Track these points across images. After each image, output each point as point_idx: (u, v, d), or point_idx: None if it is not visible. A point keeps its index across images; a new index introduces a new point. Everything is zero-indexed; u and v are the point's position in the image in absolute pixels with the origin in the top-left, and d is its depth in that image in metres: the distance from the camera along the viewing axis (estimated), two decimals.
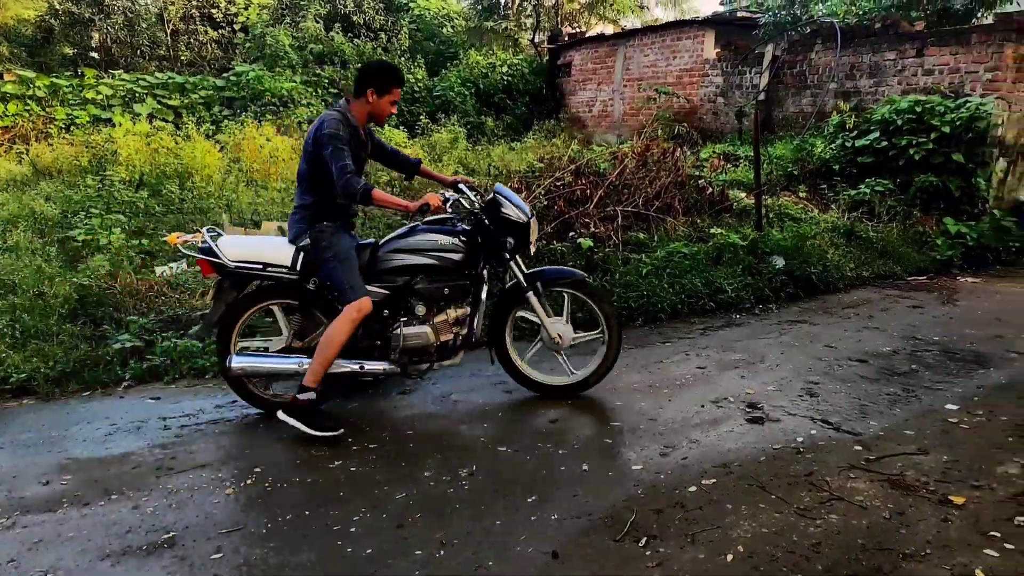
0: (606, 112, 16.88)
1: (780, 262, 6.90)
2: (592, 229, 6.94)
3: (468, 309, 4.00)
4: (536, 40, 20.99)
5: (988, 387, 4.39)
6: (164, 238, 5.19)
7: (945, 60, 9.82)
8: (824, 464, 3.39)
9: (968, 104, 8.70)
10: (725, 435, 3.73)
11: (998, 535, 2.77)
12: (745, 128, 12.94)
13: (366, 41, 17.77)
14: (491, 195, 3.98)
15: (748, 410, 4.06)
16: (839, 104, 10.59)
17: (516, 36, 21.79)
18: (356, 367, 3.88)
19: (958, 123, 8.63)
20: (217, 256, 3.79)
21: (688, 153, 9.20)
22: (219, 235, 3.97)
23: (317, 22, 17.59)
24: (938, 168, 8.73)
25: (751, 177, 9.50)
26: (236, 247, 3.83)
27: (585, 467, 3.40)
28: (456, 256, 3.91)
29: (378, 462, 3.49)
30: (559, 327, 4.15)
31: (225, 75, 15.27)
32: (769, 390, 4.35)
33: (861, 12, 11.91)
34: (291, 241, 3.83)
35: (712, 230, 7.12)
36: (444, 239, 3.90)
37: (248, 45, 18.03)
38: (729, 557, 2.68)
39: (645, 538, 2.81)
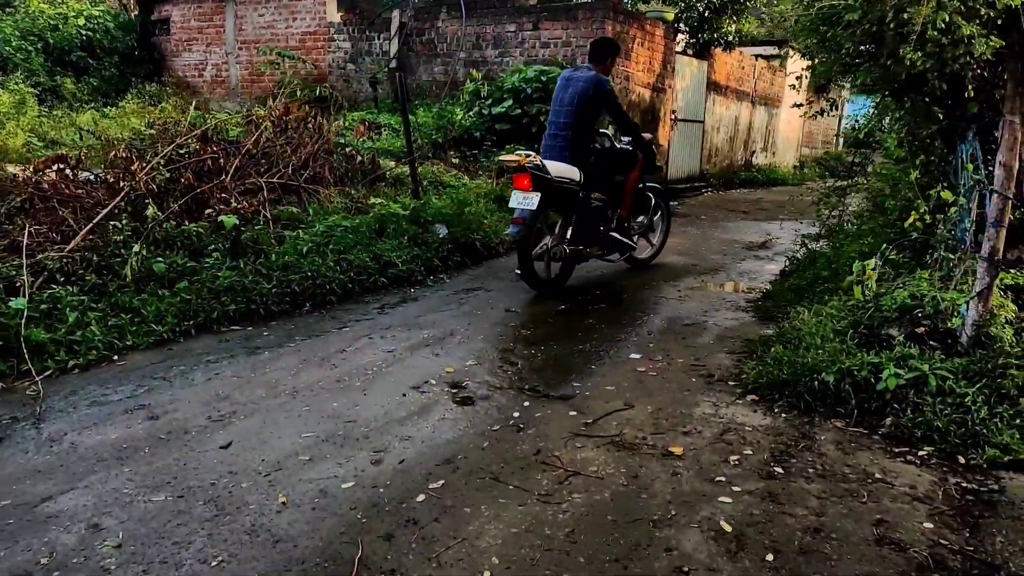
0: (221, 77, 15.18)
1: (443, 230, 6.68)
2: (234, 205, 5.89)
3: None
4: None
5: (655, 332, 4.65)
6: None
7: (558, 34, 10.61)
8: (548, 438, 3.13)
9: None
10: (438, 425, 3.26)
11: (723, 479, 2.77)
12: (381, 96, 12.65)
13: None
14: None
15: (454, 391, 3.65)
16: (472, 72, 10.84)
17: None
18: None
19: None
20: (547, 172, 5.14)
21: (332, 119, 8.51)
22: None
23: None
24: None
25: (398, 145, 9.21)
26: (554, 168, 5.24)
27: (281, 501, 2.64)
28: None
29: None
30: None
31: None
32: (469, 365, 4.01)
33: None
34: (575, 164, 5.39)
35: (372, 200, 6.60)
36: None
37: None
38: (487, 575, 2.22)
39: None
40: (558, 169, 5.26)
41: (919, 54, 3.29)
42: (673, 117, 12.43)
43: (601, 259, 6.13)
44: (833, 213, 6.68)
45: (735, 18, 12.96)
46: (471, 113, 9.93)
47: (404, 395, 3.60)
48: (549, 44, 10.71)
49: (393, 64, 12.65)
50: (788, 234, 8.58)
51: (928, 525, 2.47)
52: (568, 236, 5.53)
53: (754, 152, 16.51)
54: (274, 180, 6.35)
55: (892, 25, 3.46)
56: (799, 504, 2.59)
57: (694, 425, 3.24)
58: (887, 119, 5.02)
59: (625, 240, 6.06)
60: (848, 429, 3.17)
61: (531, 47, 10.90)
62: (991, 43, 3.18)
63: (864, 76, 4.26)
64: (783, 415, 3.31)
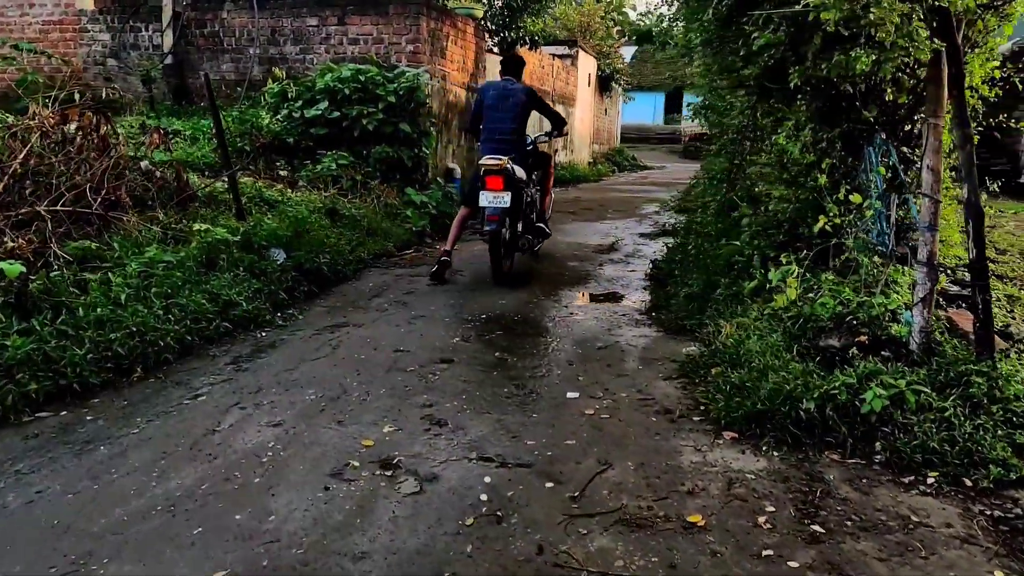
0: None
1: (281, 255, 5.69)
2: (8, 244, 4.48)
3: None
4: None
5: (575, 361, 4.20)
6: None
7: (368, 30, 9.78)
8: (541, 526, 2.52)
9: (407, 74, 8.80)
10: (394, 528, 2.51)
11: (771, 551, 2.36)
12: (157, 96, 10.92)
13: None
14: None
15: (388, 473, 2.89)
16: (274, 71, 9.64)
17: None
18: None
19: (402, 93, 8.65)
20: (515, 174, 5.93)
21: (118, 127, 7.00)
22: None
23: None
24: (391, 138, 8.65)
25: (199, 155, 7.89)
26: (517, 170, 6.03)
27: None
28: None
29: None
30: None
31: None
32: (388, 433, 3.25)
33: None
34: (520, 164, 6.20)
35: (195, 226, 5.42)
36: None
37: None
38: None
39: None
40: (519, 171, 6.07)
41: (863, 57, 3.12)
42: None
43: (525, 249, 6.70)
44: (677, 218, 6.71)
45: (536, 16, 12.96)
46: (279, 117, 8.79)
47: (327, 488, 2.78)
48: (359, 40, 9.84)
49: (169, 60, 10.97)
50: (625, 234, 8.62)
51: (1000, 575, 2.25)
52: (520, 228, 6.32)
53: (557, 151, 16.82)
54: (60, 208, 4.96)
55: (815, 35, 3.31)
56: (868, 573, 2.25)
57: (693, 481, 2.81)
58: (785, 123, 4.98)
59: (547, 228, 6.97)
60: (846, 462, 2.93)
61: (338, 43, 9.94)
62: (933, 44, 3.10)
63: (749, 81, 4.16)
64: (775, 454, 3.00)
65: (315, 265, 5.75)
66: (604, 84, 22.28)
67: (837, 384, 3.10)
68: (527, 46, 13.22)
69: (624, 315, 5.13)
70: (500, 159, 5.85)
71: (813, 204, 4.34)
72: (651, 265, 6.64)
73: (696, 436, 3.19)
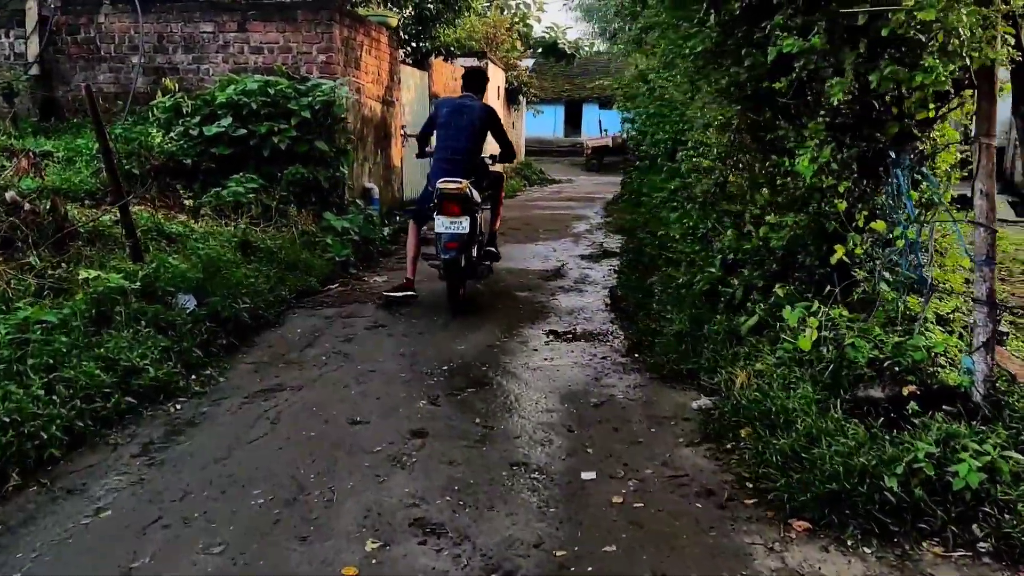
0: None
1: (191, 302, 4.76)
2: None
3: None
4: None
5: (573, 423, 3.54)
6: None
7: (273, 37, 8.82)
8: None
9: (322, 87, 7.92)
10: None
11: None
12: (20, 112, 9.49)
13: None
14: None
15: None
16: (164, 82, 8.50)
17: None
18: None
19: (317, 108, 7.78)
20: (472, 198, 5.46)
21: None
22: None
23: None
24: (305, 158, 7.74)
25: (78, 181, 6.74)
26: (474, 194, 5.53)
27: None
28: None
29: None
30: None
31: None
32: (373, 552, 2.48)
33: None
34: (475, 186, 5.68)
35: (81, 272, 4.40)
36: None
37: None
38: None
39: None
40: (475, 194, 5.56)
41: (939, 66, 2.65)
42: (403, 133, 11.32)
43: (483, 275, 6.14)
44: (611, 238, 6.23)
45: (450, 26, 12.32)
46: (173, 135, 7.70)
47: None
48: (262, 49, 8.85)
49: (35, 70, 9.57)
50: (566, 257, 8.08)
51: None
52: (475, 253, 5.80)
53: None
54: None
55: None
56: None
57: None
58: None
59: (496, 251, 6.47)
60: (951, 555, 2.42)
61: (238, 52, 8.92)
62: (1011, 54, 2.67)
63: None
64: (866, 550, 2.45)
65: (233, 312, 4.83)
66: (511, 97, 21.89)
67: (919, 454, 2.59)
68: (441, 57, 12.55)
69: (604, 358, 4.51)
70: (460, 182, 5.35)
71: (816, 231, 3.90)
72: (609, 294, 6.10)
73: (760, 528, 2.60)
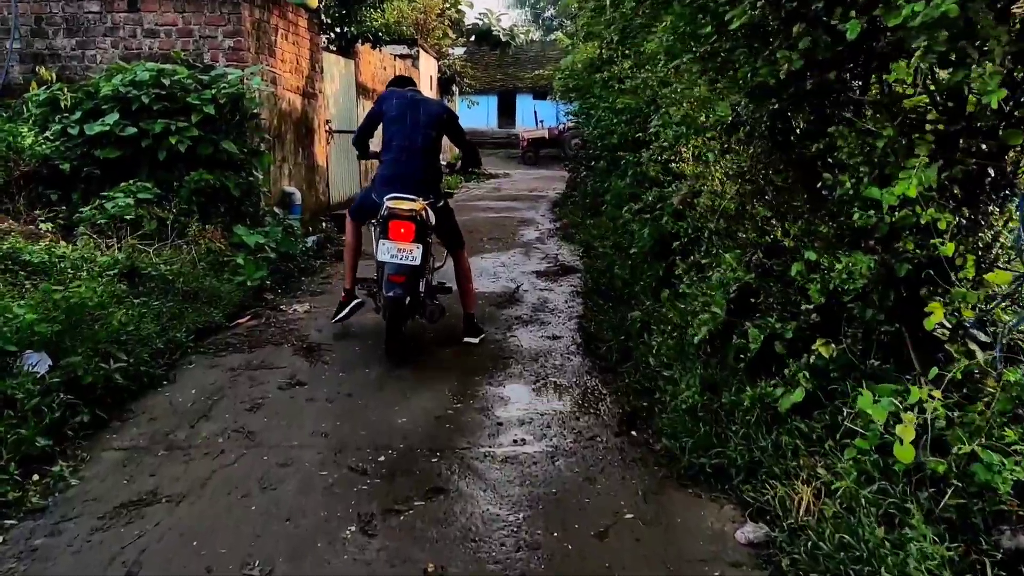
0: None
1: (43, 364, 3.65)
2: None
3: None
4: None
5: (581, 570, 2.63)
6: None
7: (171, 19, 7.57)
8: None
9: (229, 78, 6.76)
10: None
11: None
12: None
13: None
14: None
15: None
16: (40, 71, 7.16)
17: None
18: None
19: (223, 102, 6.61)
20: (429, 220, 4.54)
21: None
22: None
23: None
24: (210, 161, 6.58)
25: None
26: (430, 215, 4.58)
27: None
28: None
29: None
30: None
31: None
32: None
33: None
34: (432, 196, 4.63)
35: None
36: None
37: None
38: None
39: None
40: (431, 216, 4.58)
41: None
42: (328, 128, 10.18)
43: (434, 316, 4.81)
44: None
45: (376, 9, 11.20)
46: (49, 134, 6.41)
47: None
48: (158, 33, 7.59)
49: None
50: (518, 275, 7.16)
51: None
52: (422, 288, 4.75)
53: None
54: None
55: None
56: None
57: None
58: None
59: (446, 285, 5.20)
60: None
61: (130, 36, 7.63)
62: None
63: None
64: None
65: (102, 374, 3.73)
66: (444, 87, 20.81)
67: None
68: (369, 43, 11.42)
69: (593, 438, 3.54)
70: (415, 201, 4.38)
71: (885, 277, 2.97)
72: (579, 329, 5.22)
73: None
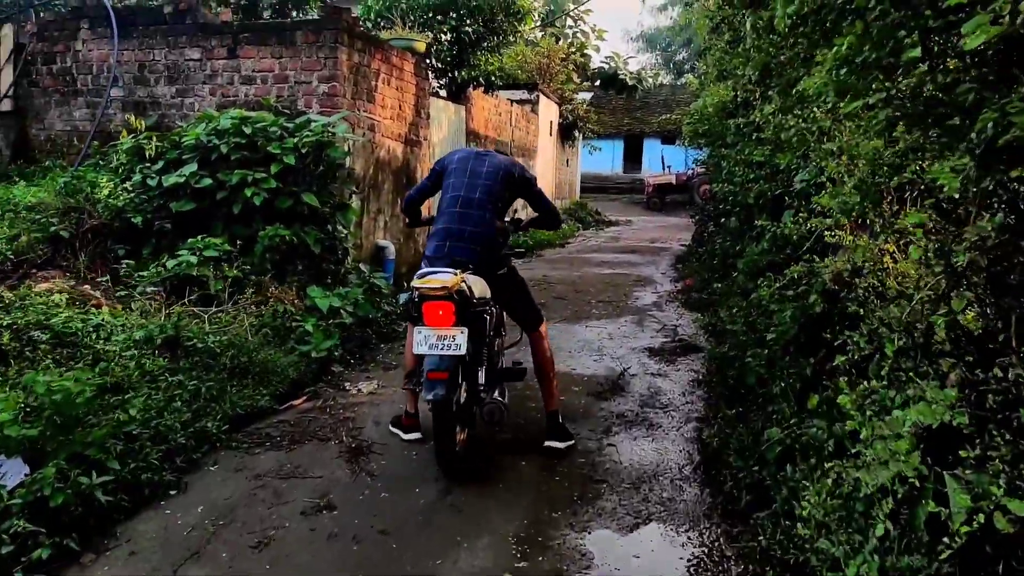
0: None
1: (17, 473, 2.97)
2: None
3: None
4: None
5: None
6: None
7: (268, 65, 7.21)
8: None
9: (312, 125, 6.20)
10: None
11: None
12: None
13: None
14: None
15: None
16: (129, 119, 6.95)
17: None
18: None
19: (305, 151, 6.05)
20: (472, 295, 3.48)
21: None
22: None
23: None
24: (289, 215, 6.01)
25: None
26: (475, 286, 3.54)
27: None
28: None
29: None
30: None
31: None
32: None
33: None
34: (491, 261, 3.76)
35: None
36: None
37: None
38: None
39: None
40: (479, 288, 3.62)
41: None
42: None
43: (496, 419, 3.66)
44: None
45: (492, 53, 10.59)
46: (129, 184, 6.09)
47: None
48: (255, 79, 7.25)
49: (7, 106, 8.23)
50: (626, 351, 6.05)
51: None
52: (481, 380, 3.73)
53: (516, 210, 14.37)
54: None
55: None
56: None
57: None
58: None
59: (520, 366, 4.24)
60: None
61: (228, 82, 7.34)
62: None
63: None
64: None
65: (80, 490, 2.99)
66: (566, 132, 20.11)
67: None
68: (481, 88, 10.82)
69: None
70: (449, 277, 3.42)
71: None
72: (697, 440, 4.07)
73: None
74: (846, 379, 3.15)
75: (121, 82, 7.62)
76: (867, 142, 2.68)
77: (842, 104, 2.38)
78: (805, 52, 3.62)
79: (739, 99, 7.42)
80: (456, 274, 3.44)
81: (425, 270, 3.57)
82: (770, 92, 5.22)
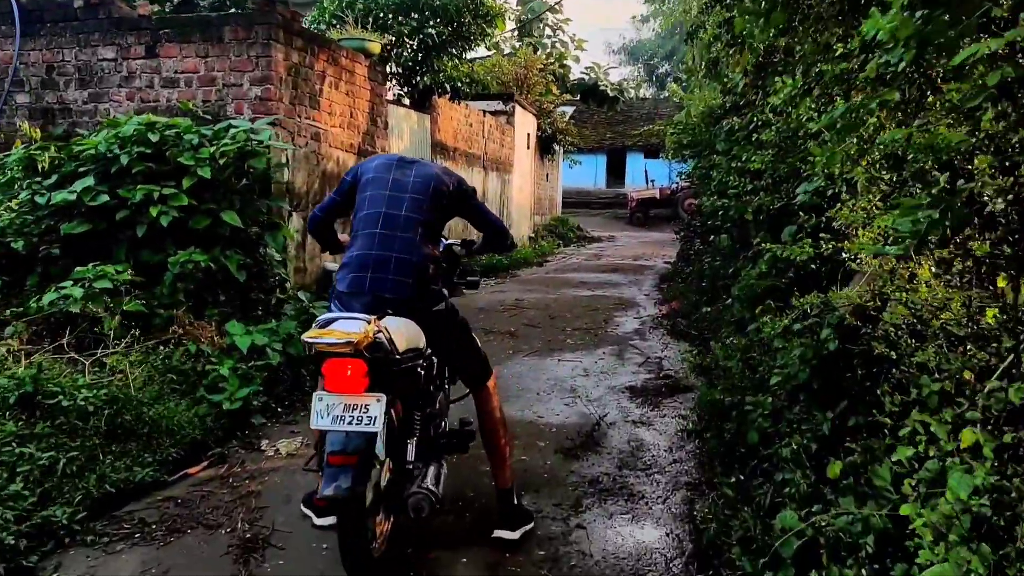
0: None
1: None
2: None
3: None
4: None
5: None
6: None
7: (192, 65, 6.32)
8: None
9: (232, 132, 5.31)
10: None
11: None
12: None
13: None
14: None
15: None
16: (24, 126, 6.02)
17: None
18: None
19: (224, 162, 5.16)
20: (395, 348, 2.52)
21: None
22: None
23: None
24: (208, 238, 5.11)
25: None
26: (401, 334, 2.59)
27: None
28: None
29: None
30: None
31: None
32: None
33: None
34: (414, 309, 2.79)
35: None
36: None
37: None
38: None
39: None
40: (406, 335, 2.63)
41: None
42: None
43: (423, 509, 2.74)
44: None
45: (459, 57, 9.78)
46: (16, 203, 5.16)
47: None
48: (178, 81, 6.36)
49: None
50: (604, 392, 5.19)
51: None
52: (412, 454, 2.76)
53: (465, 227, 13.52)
54: None
55: None
56: None
57: None
58: None
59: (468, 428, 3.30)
60: None
61: (147, 85, 6.44)
62: None
63: None
64: None
65: None
66: (546, 146, 19.34)
67: None
68: (447, 95, 9.99)
69: None
70: (353, 328, 2.39)
71: None
72: (691, 520, 3.20)
73: None
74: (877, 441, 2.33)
75: (27, 87, 6.71)
76: (948, 131, 1.84)
77: (928, 56, 1.53)
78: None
79: (728, 105, 6.66)
80: (370, 321, 2.52)
81: (328, 316, 2.65)
82: (771, 88, 4.43)
